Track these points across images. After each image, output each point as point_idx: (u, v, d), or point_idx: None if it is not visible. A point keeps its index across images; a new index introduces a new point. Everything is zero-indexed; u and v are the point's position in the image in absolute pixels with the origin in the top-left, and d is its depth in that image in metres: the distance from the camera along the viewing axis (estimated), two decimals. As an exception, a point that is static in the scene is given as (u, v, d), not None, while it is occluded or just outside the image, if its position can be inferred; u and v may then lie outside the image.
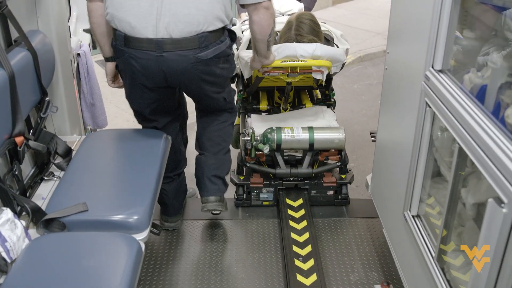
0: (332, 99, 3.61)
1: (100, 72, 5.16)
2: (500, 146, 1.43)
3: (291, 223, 2.99)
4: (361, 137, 4.85)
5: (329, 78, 3.46)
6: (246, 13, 4.08)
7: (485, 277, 1.43)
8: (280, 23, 3.25)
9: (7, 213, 2.01)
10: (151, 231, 2.28)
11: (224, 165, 2.97)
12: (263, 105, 3.55)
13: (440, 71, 1.91)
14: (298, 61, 2.88)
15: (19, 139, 2.23)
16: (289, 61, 2.88)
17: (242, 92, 3.58)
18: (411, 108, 2.14)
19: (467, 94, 1.72)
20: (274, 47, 2.88)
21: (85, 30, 3.65)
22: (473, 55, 1.83)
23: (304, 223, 2.99)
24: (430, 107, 1.94)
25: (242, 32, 3.70)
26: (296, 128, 3.12)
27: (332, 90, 3.63)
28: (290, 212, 3.09)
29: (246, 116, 3.44)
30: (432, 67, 1.93)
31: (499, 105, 1.61)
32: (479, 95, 1.75)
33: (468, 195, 1.74)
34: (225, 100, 2.86)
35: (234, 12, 4.96)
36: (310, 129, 3.11)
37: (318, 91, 3.72)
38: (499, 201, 1.38)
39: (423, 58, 1.99)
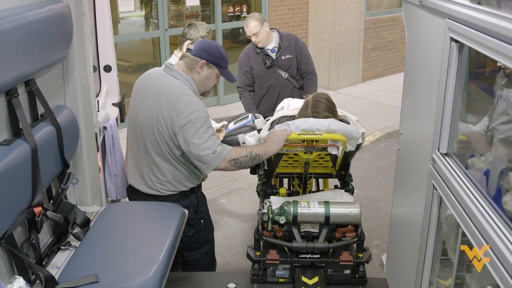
0: (350, 185, 3.64)
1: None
2: (499, 235, 1.42)
3: (306, 302, 2.93)
4: (386, 214, 4.76)
5: (347, 164, 3.52)
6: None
7: None
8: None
9: (20, 281, 2.07)
10: (161, 303, 2.28)
11: None
12: (283, 191, 3.61)
13: (446, 154, 1.94)
14: (314, 134, 2.96)
15: (37, 210, 2.31)
16: (306, 134, 2.97)
17: (262, 176, 3.64)
18: (421, 189, 2.14)
19: (471, 179, 1.73)
20: (290, 122, 2.98)
21: (113, 104, 3.81)
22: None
23: (318, 303, 2.93)
24: (436, 189, 1.95)
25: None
26: (313, 201, 3.14)
27: (350, 176, 3.67)
28: (305, 290, 3.04)
29: (266, 198, 3.48)
30: (438, 150, 1.96)
31: (500, 191, 1.61)
32: (483, 179, 1.76)
33: (472, 281, 1.71)
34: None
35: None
36: (326, 203, 3.12)
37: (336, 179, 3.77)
38: (498, 290, 1.37)
39: (430, 141, 2.02)
